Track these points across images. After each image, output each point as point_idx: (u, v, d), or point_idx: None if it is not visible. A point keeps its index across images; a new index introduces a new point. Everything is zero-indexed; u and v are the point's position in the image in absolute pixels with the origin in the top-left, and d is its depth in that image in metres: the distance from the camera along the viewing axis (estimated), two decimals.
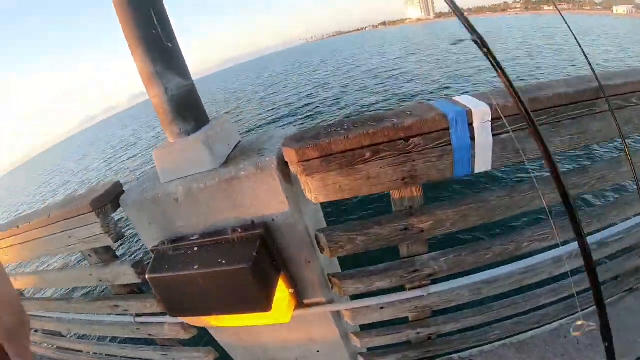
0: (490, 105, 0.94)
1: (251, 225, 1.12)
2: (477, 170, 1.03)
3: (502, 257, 1.21)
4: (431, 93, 11.63)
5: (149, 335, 1.70)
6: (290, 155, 1.00)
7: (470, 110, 0.94)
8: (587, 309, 1.40)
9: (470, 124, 0.95)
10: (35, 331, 2.13)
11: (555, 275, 1.29)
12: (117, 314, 1.65)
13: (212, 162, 1.12)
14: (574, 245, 1.25)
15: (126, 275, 1.41)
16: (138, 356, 1.92)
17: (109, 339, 2.75)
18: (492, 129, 0.97)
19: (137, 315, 1.63)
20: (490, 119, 0.95)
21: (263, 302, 1.07)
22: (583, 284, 1.41)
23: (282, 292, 1.22)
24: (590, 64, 1.11)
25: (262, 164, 1.05)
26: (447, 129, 0.95)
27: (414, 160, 1.00)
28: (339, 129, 0.99)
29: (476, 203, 1.10)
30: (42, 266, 8.27)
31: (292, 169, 1.03)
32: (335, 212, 5.57)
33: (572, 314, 1.48)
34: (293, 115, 14.28)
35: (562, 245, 1.09)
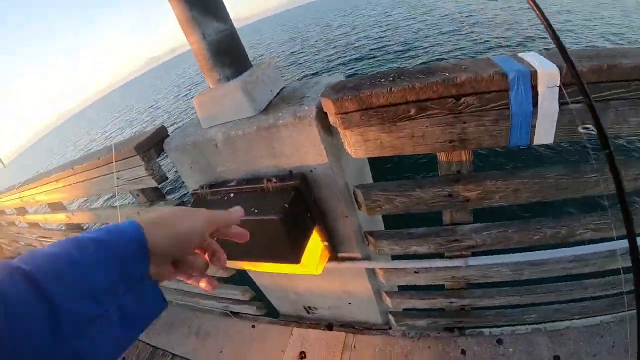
0: (561, 68, 0.79)
1: (288, 175, 1.10)
2: (536, 142, 0.89)
3: (553, 241, 1.09)
4: (517, 46, 10.11)
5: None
6: (328, 106, 0.93)
7: (536, 71, 0.80)
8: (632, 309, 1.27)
9: (535, 87, 0.82)
10: None
11: (606, 269, 1.16)
12: None
13: (251, 108, 1.09)
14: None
15: None
16: (182, 288, 2.08)
17: None
18: (561, 96, 0.83)
19: None
20: (558, 84, 0.81)
21: (292, 254, 1.07)
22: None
23: (316, 244, 1.22)
24: None
25: (300, 112, 1.00)
26: (506, 90, 0.82)
27: (464, 122, 0.89)
28: (383, 80, 0.90)
29: (531, 178, 0.97)
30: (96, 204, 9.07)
31: (331, 120, 0.97)
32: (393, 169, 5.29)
33: (617, 312, 1.34)
34: (360, 60, 13.24)
35: (618, 240, 0.96)
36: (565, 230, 1.07)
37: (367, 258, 1.33)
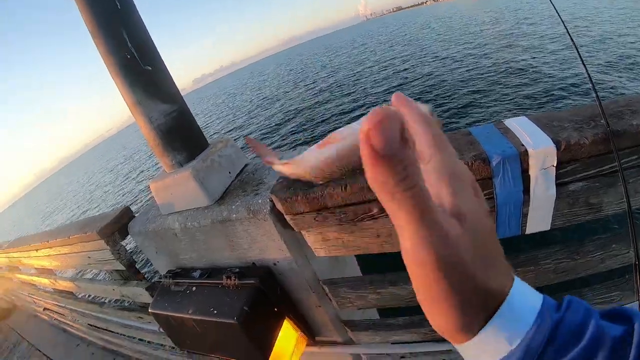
0: (557, 143, 0.66)
1: (249, 269, 1.00)
2: (529, 231, 0.76)
3: None
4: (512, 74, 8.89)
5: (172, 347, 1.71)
6: (279, 205, 0.83)
7: (526, 150, 0.66)
8: None
9: (525, 171, 0.68)
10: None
11: None
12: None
13: (205, 198, 1.00)
14: None
15: (142, 295, 1.39)
16: (167, 357, 1.95)
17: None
18: (557, 176, 0.69)
19: None
20: (555, 164, 0.67)
21: (257, 355, 0.96)
22: None
23: (288, 335, 1.10)
24: None
25: (254, 206, 0.90)
26: (490, 177, 0.69)
27: None
28: None
29: (524, 267, 0.84)
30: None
31: (287, 218, 0.86)
32: None
33: None
34: (362, 99, 11.82)
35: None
36: None
37: (348, 342, 1.19)
